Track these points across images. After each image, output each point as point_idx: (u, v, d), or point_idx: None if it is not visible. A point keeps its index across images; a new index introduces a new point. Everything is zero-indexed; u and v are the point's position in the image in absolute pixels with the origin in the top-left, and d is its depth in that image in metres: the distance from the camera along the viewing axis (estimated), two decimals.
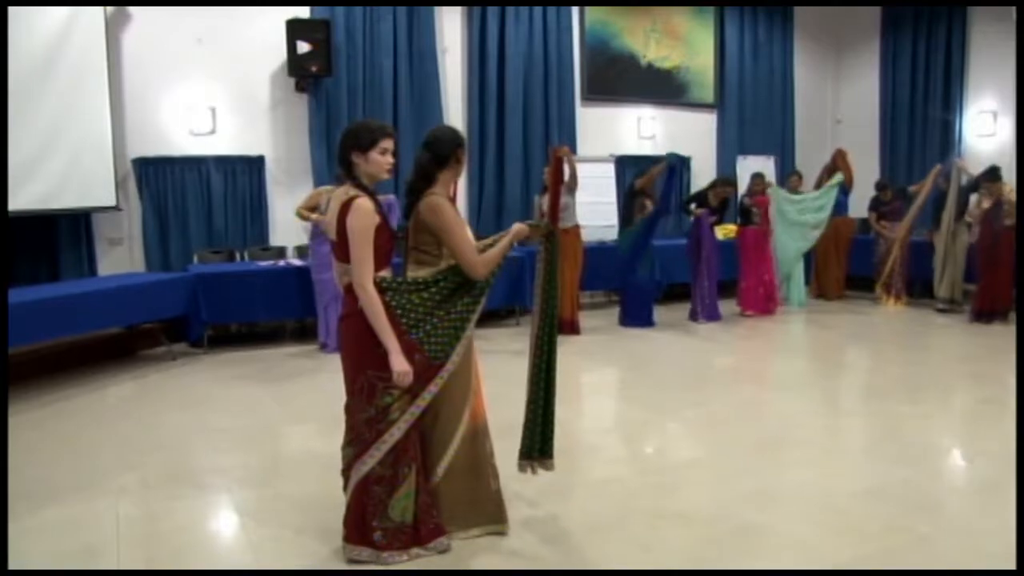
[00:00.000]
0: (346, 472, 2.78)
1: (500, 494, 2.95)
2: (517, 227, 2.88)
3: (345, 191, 2.64)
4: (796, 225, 8.20)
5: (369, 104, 7.84)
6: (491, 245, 2.83)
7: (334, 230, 2.65)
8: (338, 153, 2.69)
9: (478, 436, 2.88)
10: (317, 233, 6.27)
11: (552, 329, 2.96)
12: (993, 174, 7.32)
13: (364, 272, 2.56)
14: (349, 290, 2.64)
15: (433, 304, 2.67)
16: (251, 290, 6.49)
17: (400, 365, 2.57)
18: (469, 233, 2.80)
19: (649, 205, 7.22)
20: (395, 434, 2.66)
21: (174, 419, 4.67)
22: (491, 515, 2.93)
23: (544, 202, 6.73)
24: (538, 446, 3.00)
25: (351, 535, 2.73)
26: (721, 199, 7.72)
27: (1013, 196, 7.18)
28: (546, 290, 2.96)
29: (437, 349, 2.67)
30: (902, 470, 3.63)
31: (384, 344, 2.57)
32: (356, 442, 2.70)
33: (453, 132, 2.87)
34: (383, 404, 2.63)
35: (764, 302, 7.91)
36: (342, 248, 2.62)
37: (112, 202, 6.78)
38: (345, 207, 2.59)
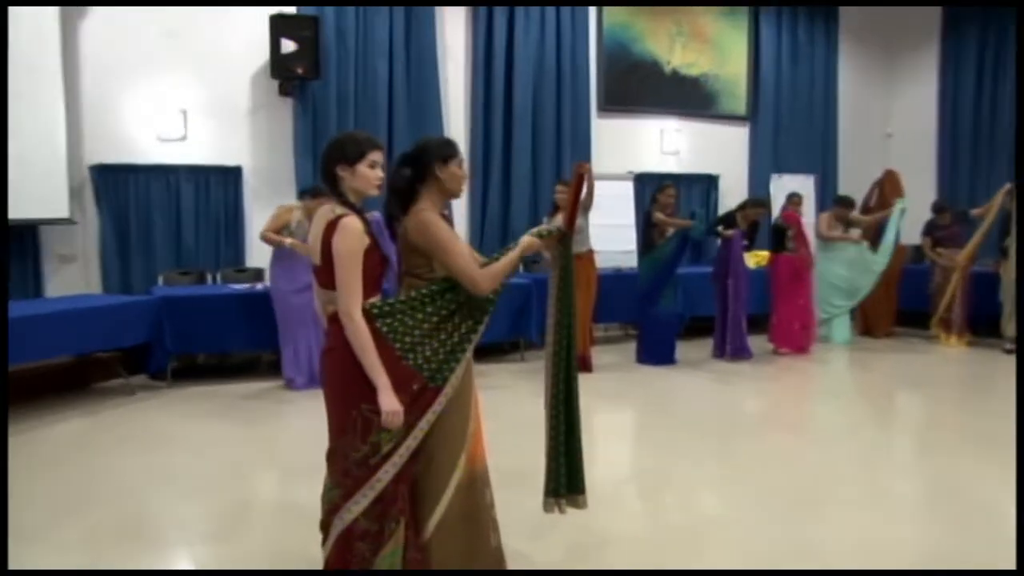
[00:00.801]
0: (326, 522, 2.75)
1: (501, 551, 2.94)
2: (527, 240, 2.90)
3: (331, 209, 2.66)
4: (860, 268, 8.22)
5: (361, 111, 7.93)
6: (496, 260, 2.81)
7: (318, 253, 2.67)
8: (321, 166, 2.73)
9: (476, 484, 2.86)
10: (285, 253, 6.28)
11: (571, 345, 2.99)
12: None
13: (352, 299, 2.57)
14: (334, 320, 2.65)
15: (431, 326, 2.67)
16: (223, 317, 6.54)
17: (390, 404, 2.57)
18: (466, 246, 2.81)
19: (671, 230, 7.24)
20: (389, 471, 2.63)
21: (129, 463, 4.67)
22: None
23: (554, 223, 6.75)
24: (565, 480, 3.00)
25: None
26: (751, 222, 7.73)
27: None
28: (560, 300, 2.98)
29: (435, 371, 2.68)
30: (958, 538, 3.60)
31: (372, 380, 2.58)
32: (343, 484, 2.67)
33: (439, 142, 2.87)
34: (377, 440, 2.62)
35: (800, 338, 7.88)
36: (326, 273, 2.63)
37: (65, 214, 6.83)
38: (331, 227, 2.60)
